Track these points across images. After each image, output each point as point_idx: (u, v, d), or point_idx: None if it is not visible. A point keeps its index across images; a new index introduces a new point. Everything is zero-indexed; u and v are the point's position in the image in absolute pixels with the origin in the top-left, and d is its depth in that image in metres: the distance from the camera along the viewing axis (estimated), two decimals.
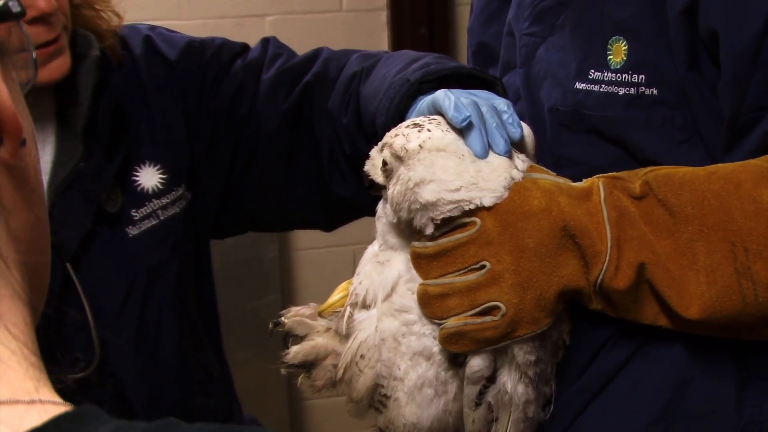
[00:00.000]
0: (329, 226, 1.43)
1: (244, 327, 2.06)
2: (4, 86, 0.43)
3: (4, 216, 0.44)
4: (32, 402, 0.41)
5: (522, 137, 0.95)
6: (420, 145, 0.90)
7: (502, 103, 0.95)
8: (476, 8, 1.23)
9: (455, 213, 0.89)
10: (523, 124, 0.98)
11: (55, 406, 0.41)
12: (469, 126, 0.90)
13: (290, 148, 1.31)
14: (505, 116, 0.94)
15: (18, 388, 0.41)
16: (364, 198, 1.07)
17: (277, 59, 1.32)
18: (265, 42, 1.36)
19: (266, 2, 2.37)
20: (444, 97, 0.93)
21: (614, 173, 0.94)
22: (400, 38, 2.41)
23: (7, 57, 0.47)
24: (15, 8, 0.47)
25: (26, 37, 0.49)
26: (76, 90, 1.19)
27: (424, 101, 0.99)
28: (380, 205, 0.98)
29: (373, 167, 0.95)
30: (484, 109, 0.93)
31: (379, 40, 2.45)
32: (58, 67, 1.16)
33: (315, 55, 1.33)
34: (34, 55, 0.50)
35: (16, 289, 0.44)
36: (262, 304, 2.16)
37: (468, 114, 0.90)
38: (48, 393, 0.42)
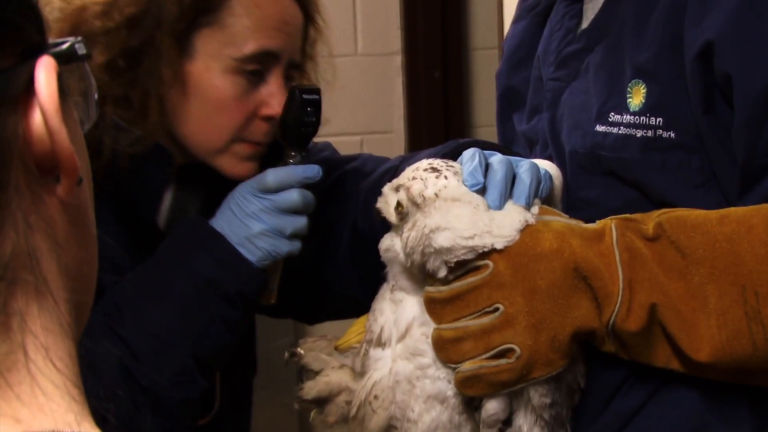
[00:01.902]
0: (311, 318, 1.42)
1: (265, 366, 2.06)
2: (63, 127, 0.43)
3: (57, 252, 0.45)
4: None
5: (549, 194, 0.97)
6: (436, 194, 0.91)
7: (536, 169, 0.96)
8: (505, 53, 1.25)
9: (469, 256, 0.90)
10: (553, 166, 0.99)
11: None
12: (492, 185, 0.92)
13: (314, 226, 1.29)
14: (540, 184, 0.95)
15: (60, 421, 0.42)
16: (356, 293, 1.07)
17: (322, 151, 1.35)
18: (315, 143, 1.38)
19: None
20: (470, 156, 0.94)
21: (627, 215, 0.95)
22: (414, 82, 2.43)
23: (69, 98, 0.48)
24: (81, 50, 0.47)
25: (90, 80, 0.50)
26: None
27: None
28: (387, 237, 0.98)
29: (386, 205, 0.96)
30: (515, 171, 0.94)
31: (394, 84, 2.47)
32: (246, 168, 1.14)
33: (356, 156, 1.35)
34: (96, 96, 0.50)
35: (63, 324, 0.45)
36: (274, 347, 2.18)
37: (480, 181, 0.91)
38: (89, 426, 0.43)
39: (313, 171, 1.12)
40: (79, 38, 0.48)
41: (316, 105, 1.13)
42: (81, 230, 0.47)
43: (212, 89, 1.10)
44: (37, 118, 0.43)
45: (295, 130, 1.13)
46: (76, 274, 0.46)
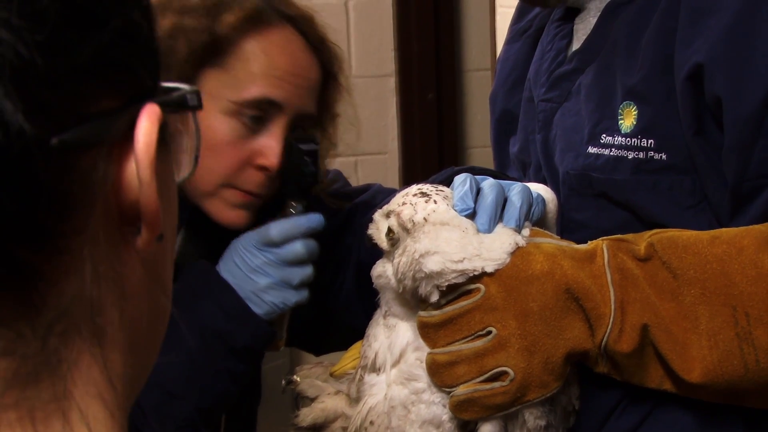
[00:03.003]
0: (317, 350, 1.41)
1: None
2: (154, 180, 0.41)
3: (122, 305, 0.43)
4: None
5: (541, 217, 0.97)
6: (425, 218, 0.91)
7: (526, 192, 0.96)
8: (499, 76, 1.25)
9: (460, 280, 0.90)
10: (547, 190, 1.00)
11: None
12: (482, 209, 0.92)
13: (324, 261, 1.28)
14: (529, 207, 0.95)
15: None
16: (362, 325, 1.07)
17: (332, 184, 1.34)
18: (325, 171, 1.37)
19: None
20: (461, 182, 0.94)
21: (619, 236, 0.95)
22: (408, 104, 2.45)
23: (170, 147, 0.46)
24: (192, 101, 0.46)
25: (197, 133, 0.48)
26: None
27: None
28: (379, 264, 0.98)
29: (378, 231, 0.97)
30: (508, 196, 0.94)
31: (388, 106, 2.49)
32: (235, 216, 1.12)
33: (367, 187, 1.35)
34: (197, 152, 0.49)
35: (113, 378, 0.43)
36: (269, 368, 2.18)
37: (470, 206, 0.92)
38: None
39: (316, 221, 1.12)
40: (194, 88, 0.46)
41: (314, 154, 1.12)
42: (154, 287, 0.45)
43: (207, 130, 1.08)
44: (130, 166, 0.41)
45: (294, 181, 1.12)
46: (139, 329, 0.45)
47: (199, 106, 0.47)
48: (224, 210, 1.12)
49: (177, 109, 0.46)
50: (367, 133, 2.47)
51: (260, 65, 1.10)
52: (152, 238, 0.42)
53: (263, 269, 1.09)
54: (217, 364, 1.06)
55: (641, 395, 0.97)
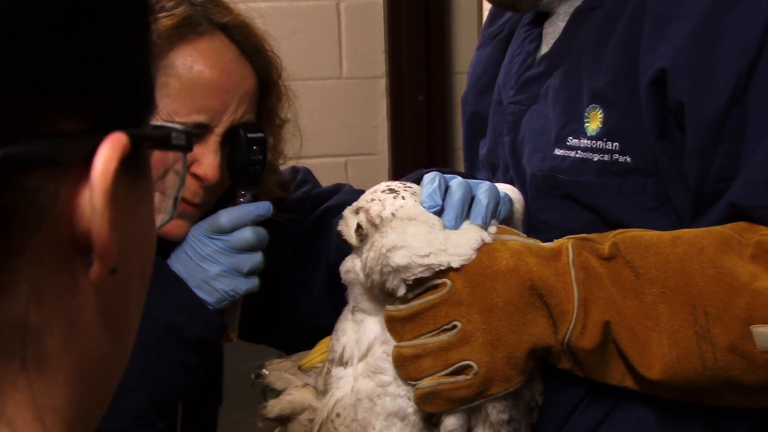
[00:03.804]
0: (289, 349, 1.39)
1: (238, 388, 2.07)
2: (107, 210, 0.39)
3: (71, 335, 0.41)
4: None
5: (508, 216, 0.98)
6: (393, 213, 0.93)
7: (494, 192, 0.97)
8: (471, 79, 1.27)
9: (426, 274, 0.92)
10: (514, 190, 1.01)
11: None
12: (449, 206, 0.94)
13: (296, 264, 1.30)
14: (497, 205, 0.96)
15: None
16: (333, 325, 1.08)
17: (303, 185, 1.35)
18: (295, 170, 1.38)
19: None
20: (430, 179, 0.96)
21: (584, 235, 0.97)
22: (398, 105, 2.47)
23: (145, 183, 0.44)
24: (177, 140, 0.44)
25: (179, 175, 0.47)
26: None
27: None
28: (348, 259, 1.00)
29: (347, 228, 0.98)
30: (475, 195, 0.96)
31: (378, 107, 2.50)
32: (172, 226, 1.11)
33: (337, 188, 1.35)
34: (179, 193, 0.47)
35: (58, 408, 0.41)
36: (255, 366, 2.20)
37: (438, 203, 0.93)
38: None
39: (264, 208, 1.13)
40: (185, 129, 0.45)
41: (261, 143, 1.13)
42: (112, 323, 0.43)
43: None
44: (86, 193, 0.39)
45: (242, 169, 1.13)
46: (94, 364, 0.43)
47: (187, 148, 0.45)
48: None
49: (159, 146, 0.44)
50: (358, 134, 2.50)
51: (188, 80, 1.08)
52: (104, 270, 0.40)
53: (213, 257, 1.10)
54: (170, 356, 1.07)
55: (604, 392, 0.98)
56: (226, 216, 1.11)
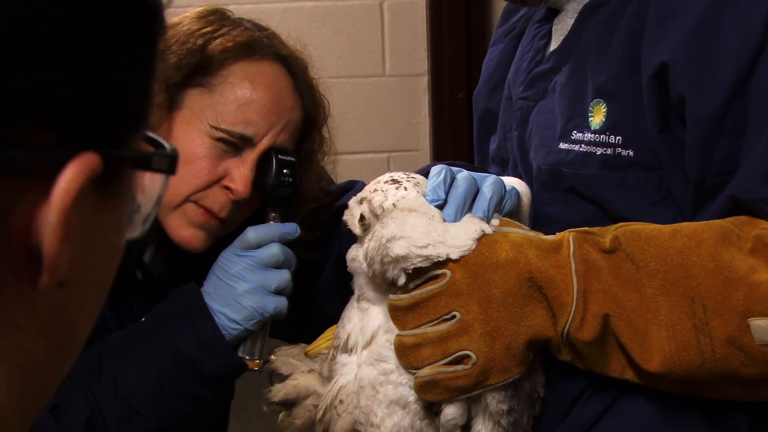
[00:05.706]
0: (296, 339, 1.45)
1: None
2: (60, 226, 0.40)
3: (15, 337, 0.42)
4: None
5: (514, 209, 1.00)
6: (394, 204, 0.95)
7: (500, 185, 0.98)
8: (483, 76, 1.28)
9: (425, 264, 0.93)
10: (522, 183, 1.03)
11: None
12: (452, 199, 0.95)
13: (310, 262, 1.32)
14: (501, 199, 0.97)
15: None
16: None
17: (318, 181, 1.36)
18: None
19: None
20: (436, 172, 0.97)
21: (586, 228, 0.97)
22: (439, 102, 2.48)
23: (121, 200, 0.45)
24: (158, 164, 0.45)
25: (154, 199, 0.47)
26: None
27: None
28: (353, 248, 1.02)
29: (351, 217, 1.00)
30: (480, 188, 0.97)
31: (420, 104, 2.52)
32: (189, 234, 1.15)
33: (351, 185, 1.38)
34: (151, 210, 0.47)
35: None
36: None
37: (441, 197, 0.95)
38: None
39: (291, 228, 1.16)
40: (171, 153, 0.46)
41: (292, 166, 1.17)
42: (59, 333, 0.44)
43: (186, 141, 1.13)
44: (45, 208, 0.40)
45: (272, 191, 1.16)
46: (33, 372, 0.44)
47: (169, 171, 0.45)
48: (181, 227, 1.15)
49: (139, 167, 0.45)
50: (400, 131, 2.52)
51: (243, 93, 1.13)
52: (52, 282, 0.41)
53: (241, 275, 1.12)
54: (184, 388, 1.09)
55: (606, 385, 0.99)
56: (253, 232, 1.14)
